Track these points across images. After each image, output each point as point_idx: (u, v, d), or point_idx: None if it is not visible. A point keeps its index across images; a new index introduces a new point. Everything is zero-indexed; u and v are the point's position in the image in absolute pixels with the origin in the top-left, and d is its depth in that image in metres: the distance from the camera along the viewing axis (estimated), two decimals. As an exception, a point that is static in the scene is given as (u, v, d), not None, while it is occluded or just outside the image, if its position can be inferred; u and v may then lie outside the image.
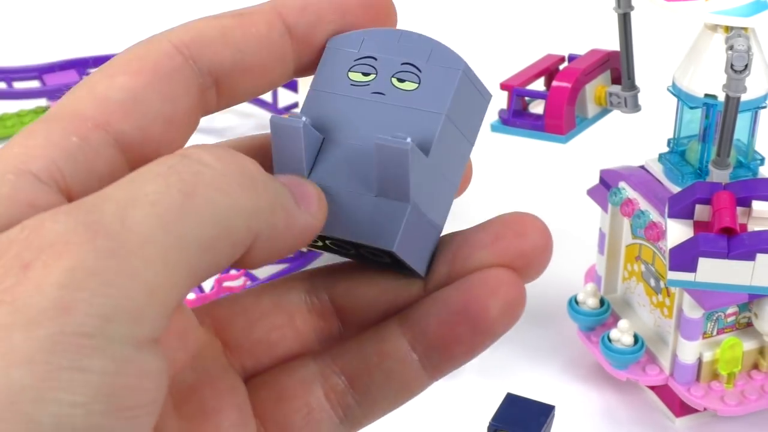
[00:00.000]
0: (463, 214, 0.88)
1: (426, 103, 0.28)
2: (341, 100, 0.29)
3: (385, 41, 0.29)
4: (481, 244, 0.30)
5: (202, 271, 0.24)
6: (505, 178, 0.96)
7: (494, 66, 0.90)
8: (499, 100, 0.69)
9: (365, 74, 0.29)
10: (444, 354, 0.29)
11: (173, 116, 0.28)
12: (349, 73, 0.29)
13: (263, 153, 0.30)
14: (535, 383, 0.71)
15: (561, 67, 0.70)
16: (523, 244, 0.30)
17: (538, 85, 0.70)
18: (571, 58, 0.71)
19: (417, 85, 0.28)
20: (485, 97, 0.30)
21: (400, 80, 0.29)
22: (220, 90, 0.29)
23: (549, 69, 0.70)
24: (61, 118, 0.26)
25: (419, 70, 0.28)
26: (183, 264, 0.23)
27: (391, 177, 0.27)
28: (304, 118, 0.27)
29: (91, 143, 0.26)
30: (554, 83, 0.67)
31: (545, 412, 0.58)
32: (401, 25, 0.31)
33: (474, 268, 0.30)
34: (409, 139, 0.26)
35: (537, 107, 0.69)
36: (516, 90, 0.68)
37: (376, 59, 0.29)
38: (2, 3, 1.32)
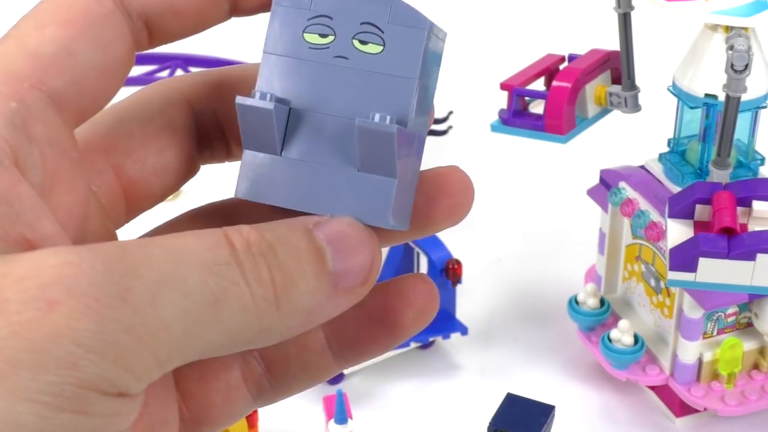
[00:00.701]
0: (463, 214, 0.88)
1: (394, 67, 0.27)
2: (302, 66, 0.27)
3: None
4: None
5: (204, 355, 0.25)
6: (505, 178, 0.96)
7: (494, 66, 0.90)
8: (499, 100, 0.69)
9: (323, 35, 0.27)
10: (358, 351, 0.31)
11: (107, 65, 0.27)
12: (305, 35, 0.27)
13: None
14: (535, 383, 0.71)
15: (561, 67, 0.70)
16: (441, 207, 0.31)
17: (538, 85, 0.70)
18: (571, 58, 0.71)
19: (381, 47, 0.27)
20: (443, 39, 0.29)
21: (363, 42, 0.27)
22: (151, 31, 0.28)
23: (549, 69, 0.70)
24: None
25: (381, 31, 0.27)
26: (189, 354, 0.24)
27: (376, 156, 0.27)
28: (272, 102, 0.26)
29: (29, 106, 0.25)
30: (554, 83, 0.67)
31: (545, 412, 0.58)
32: None
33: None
34: (390, 119, 0.26)
35: (537, 107, 0.69)
36: (516, 90, 0.68)
37: (331, 18, 0.27)
38: (2, 3, 1.32)
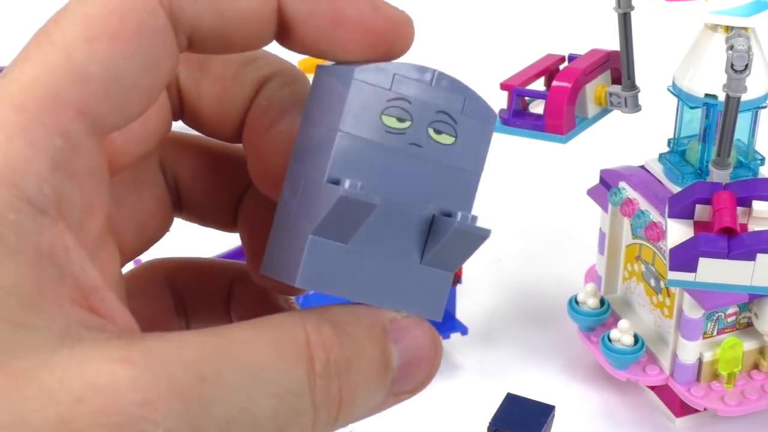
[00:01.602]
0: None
1: (462, 160, 0.27)
2: (377, 150, 0.26)
3: (419, 82, 0.27)
4: None
5: None
6: (505, 178, 0.96)
7: (494, 66, 0.90)
8: (499, 100, 0.69)
9: (400, 120, 0.26)
10: None
11: (153, 87, 0.25)
12: (383, 117, 0.26)
13: None
14: (535, 383, 0.71)
15: (561, 67, 0.70)
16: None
17: (539, 85, 0.70)
18: (571, 58, 0.71)
19: (454, 139, 0.27)
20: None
21: (437, 132, 0.27)
22: (191, 45, 0.26)
23: (549, 69, 0.70)
24: (39, 105, 0.23)
25: (455, 122, 0.27)
26: None
27: (454, 254, 0.27)
28: (376, 196, 0.25)
29: (73, 140, 0.24)
30: (554, 83, 0.67)
31: (545, 412, 0.58)
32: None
33: None
34: (471, 219, 0.27)
35: (537, 107, 0.69)
36: (516, 90, 0.68)
37: (410, 103, 0.26)
38: (2, 3, 1.32)
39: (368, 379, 0.25)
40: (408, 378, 0.26)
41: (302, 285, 0.26)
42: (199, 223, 0.32)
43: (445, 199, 0.27)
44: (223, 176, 0.31)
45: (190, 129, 0.31)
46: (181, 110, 0.30)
